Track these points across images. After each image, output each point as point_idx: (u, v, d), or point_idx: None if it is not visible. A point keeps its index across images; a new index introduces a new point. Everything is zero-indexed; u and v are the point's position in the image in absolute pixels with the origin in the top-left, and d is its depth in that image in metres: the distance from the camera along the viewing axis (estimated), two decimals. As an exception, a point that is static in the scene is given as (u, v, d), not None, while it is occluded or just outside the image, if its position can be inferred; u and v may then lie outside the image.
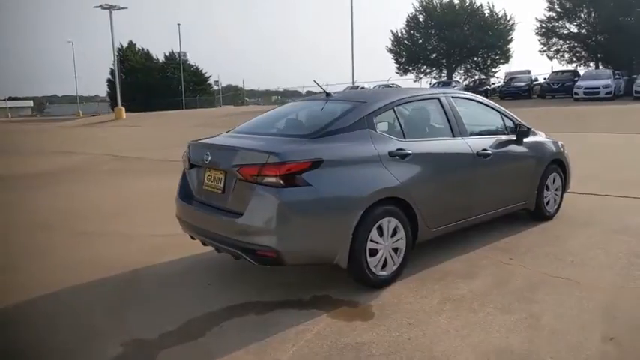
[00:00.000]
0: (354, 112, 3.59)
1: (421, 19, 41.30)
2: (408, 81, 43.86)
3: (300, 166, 3.11)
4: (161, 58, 53.44)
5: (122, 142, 17.54)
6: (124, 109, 33.57)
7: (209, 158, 3.51)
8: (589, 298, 3.26)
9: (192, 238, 3.87)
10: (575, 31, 33.77)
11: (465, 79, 41.83)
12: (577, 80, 24.98)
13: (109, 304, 3.47)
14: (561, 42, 34.27)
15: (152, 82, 48.99)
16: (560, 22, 33.96)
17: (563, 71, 29.73)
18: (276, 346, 2.77)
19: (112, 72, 50.32)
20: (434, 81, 41.37)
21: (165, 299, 3.51)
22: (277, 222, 3.05)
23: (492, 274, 3.73)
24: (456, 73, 42.60)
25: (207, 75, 54.62)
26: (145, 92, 46.33)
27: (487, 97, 30.75)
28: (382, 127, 3.68)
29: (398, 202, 3.52)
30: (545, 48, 34.89)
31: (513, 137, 4.66)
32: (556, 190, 5.20)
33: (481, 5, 39.46)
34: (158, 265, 4.18)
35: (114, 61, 38.19)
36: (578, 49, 33.84)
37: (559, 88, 26.36)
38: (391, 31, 43.11)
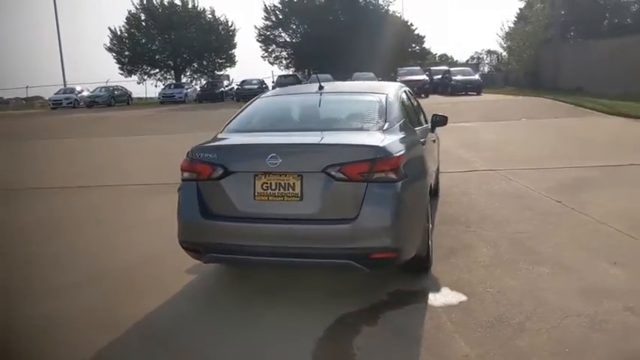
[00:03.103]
0: (391, 104, 3.58)
1: (143, 18, 39.32)
2: (131, 83, 41.18)
3: (401, 158, 2.97)
4: None
5: None
6: None
7: (278, 161, 2.88)
8: (563, 242, 4.17)
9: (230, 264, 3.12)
10: (289, 40, 38.52)
11: (192, 81, 42.05)
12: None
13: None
14: (279, 49, 38.54)
15: None
16: (276, 31, 38.10)
17: (286, 76, 33.81)
18: (443, 350, 2.65)
19: None
20: (161, 85, 40.11)
21: (248, 344, 2.77)
22: (396, 219, 2.84)
23: (481, 241, 4.29)
24: (183, 75, 42.37)
25: None
26: None
27: (223, 99, 32.41)
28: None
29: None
30: (266, 54, 38.65)
31: (429, 126, 5.36)
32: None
33: (204, 9, 40.44)
34: (165, 309, 3.17)
35: None
36: (294, 56, 38.69)
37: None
38: (109, 28, 39.63)
